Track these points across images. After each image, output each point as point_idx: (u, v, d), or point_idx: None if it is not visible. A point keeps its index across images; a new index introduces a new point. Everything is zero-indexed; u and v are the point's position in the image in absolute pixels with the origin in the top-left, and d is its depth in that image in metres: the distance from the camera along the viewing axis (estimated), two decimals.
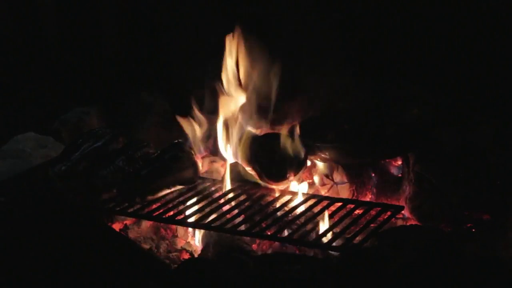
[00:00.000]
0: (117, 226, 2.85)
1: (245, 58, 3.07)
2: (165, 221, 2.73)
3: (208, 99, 3.11)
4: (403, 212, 2.79)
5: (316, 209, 2.71)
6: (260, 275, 2.28)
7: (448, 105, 3.11)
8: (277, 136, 2.94)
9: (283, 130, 2.98)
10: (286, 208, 2.73)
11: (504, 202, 2.66)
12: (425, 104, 3.10)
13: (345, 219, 2.64)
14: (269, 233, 2.56)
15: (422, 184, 2.77)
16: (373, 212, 2.71)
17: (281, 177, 2.87)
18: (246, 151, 2.95)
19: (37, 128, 3.48)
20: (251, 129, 3.04)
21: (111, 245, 2.59)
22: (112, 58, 4.17)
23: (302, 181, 2.98)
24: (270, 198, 2.82)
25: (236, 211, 2.70)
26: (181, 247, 2.78)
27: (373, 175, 2.95)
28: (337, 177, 2.98)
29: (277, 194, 2.85)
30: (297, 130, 2.91)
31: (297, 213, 2.69)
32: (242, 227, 2.58)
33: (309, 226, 2.59)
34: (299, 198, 2.82)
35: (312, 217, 2.64)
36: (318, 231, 2.58)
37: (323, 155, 2.94)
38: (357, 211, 2.73)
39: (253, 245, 2.66)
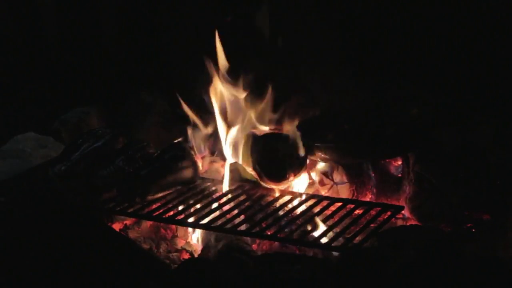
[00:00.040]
0: (117, 226, 2.85)
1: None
2: (165, 221, 2.73)
3: (208, 99, 3.11)
4: (403, 212, 2.79)
5: (316, 209, 2.71)
6: (260, 275, 2.28)
7: (448, 105, 3.10)
8: (277, 136, 2.94)
9: (283, 130, 2.98)
10: (286, 208, 2.73)
11: (504, 202, 2.66)
12: (425, 104, 3.10)
13: (345, 219, 2.64)
14: (269, 233, 2.56)
15: (422, 184, 2.77)
16: (373, 212, 2.70)
17: (281, 177, 2.86)
18: (246, 151, 2.95)
19: (37, 128, 3.47)
20: (251, 129, 3.04)
21: (111, 245, 2.59)
22: (112, 58, 4.17)
23: (302, 181, 2.98)
24: (270, 198, 2.82)
25: (236, 211, 2.70)
26: (181, 247, 2.78)
27: (373, 175, 2.95)
28: (337, 177, 2.97)
29: (277, 194, 2.85)
30: (297, 130, 2.91)
31: (297, 213, 2.69)
32: (242, 227, 2.58)
33: (309, 226, 2.60)
34: (299, 198, 2.82)
35: (312, 217, 2.64)
36: (318, 231, 2.58)
37: (323, 155, 2.93)
38: (357, 211, 2.73)
39: (253, 245, 2.65)
